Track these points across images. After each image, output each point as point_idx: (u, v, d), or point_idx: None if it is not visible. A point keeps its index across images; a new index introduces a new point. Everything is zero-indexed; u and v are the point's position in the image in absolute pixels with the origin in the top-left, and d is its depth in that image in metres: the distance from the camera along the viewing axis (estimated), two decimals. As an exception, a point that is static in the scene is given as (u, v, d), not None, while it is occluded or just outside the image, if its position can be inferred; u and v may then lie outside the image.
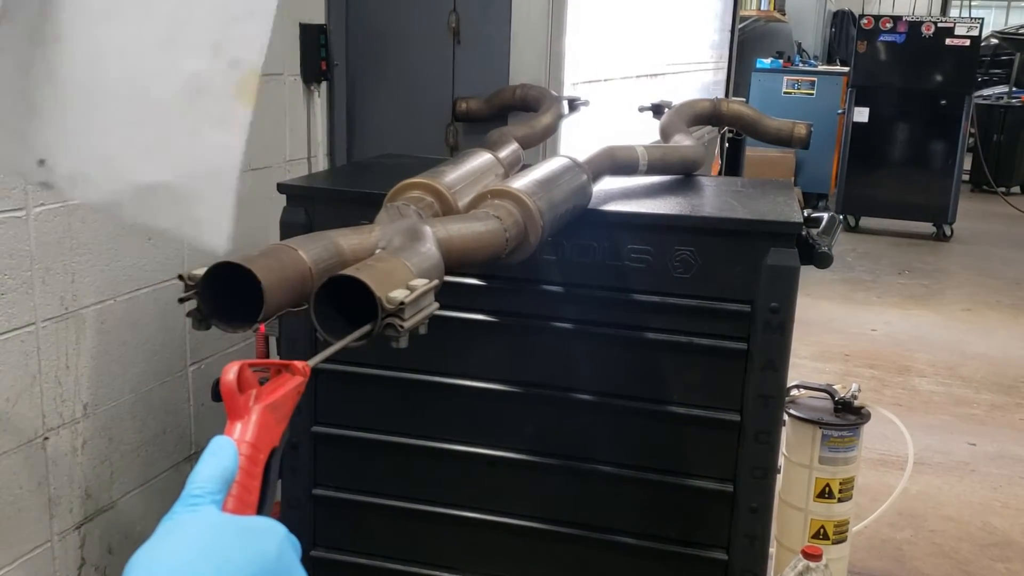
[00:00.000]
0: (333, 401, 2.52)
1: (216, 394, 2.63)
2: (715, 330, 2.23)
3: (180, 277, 1.23)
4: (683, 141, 2.84)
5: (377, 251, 1.40)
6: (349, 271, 1.20)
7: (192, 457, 2.92)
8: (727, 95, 6.42)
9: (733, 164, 7.19)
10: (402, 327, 1.19)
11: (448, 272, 1.51)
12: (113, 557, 2.65)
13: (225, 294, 1.28)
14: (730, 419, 2.24)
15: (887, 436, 4.33)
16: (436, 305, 1.30)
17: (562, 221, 2.02)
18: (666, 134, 2.95)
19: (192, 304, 1.23)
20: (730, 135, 6.87)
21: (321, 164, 3.29)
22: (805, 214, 2.35)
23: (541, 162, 2.14)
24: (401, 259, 1.30)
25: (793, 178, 10.07)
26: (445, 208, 1.80)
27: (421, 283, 1.25)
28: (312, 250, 1.31)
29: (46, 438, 2.39)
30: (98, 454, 2.56)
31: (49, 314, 2.36)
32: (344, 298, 1.25)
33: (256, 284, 1.20)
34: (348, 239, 1.40)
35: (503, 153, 2.37)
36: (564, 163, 2.14)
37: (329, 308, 1.26)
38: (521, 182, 1.89)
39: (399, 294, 1.19)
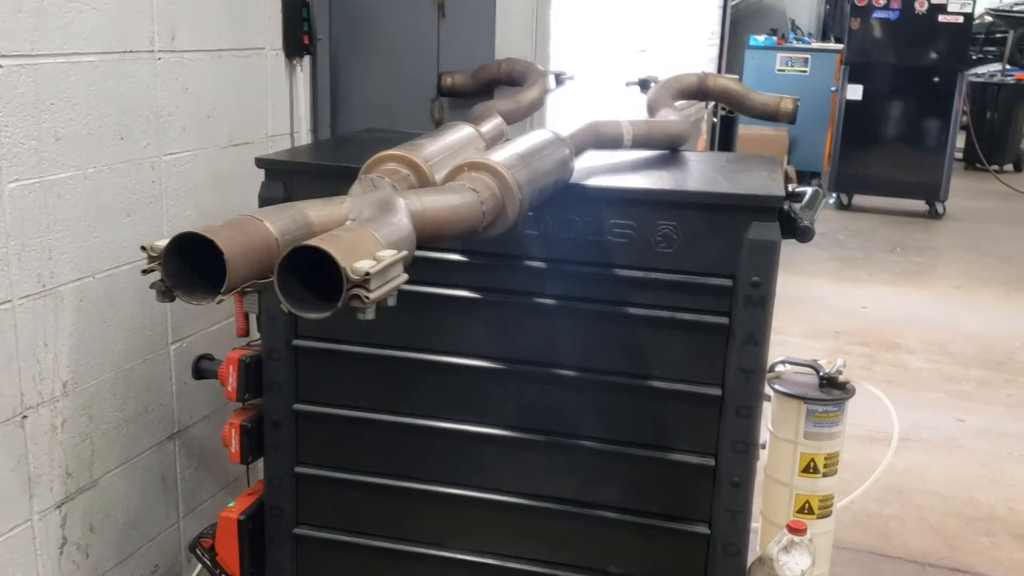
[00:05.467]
0: (314, 379, 2.50)
1: (197, 372, 2.62)
2: (697, 305, 2.22)
3: (143, 248, 1.21)
4: (669, 116, 2.82)
5: (347, 222, 1.38)
6: (313, 241, 1.18)
7: (175, 436, 2.90)
8: (719, 72, 6.38)
9: (726, 142, 7.15)
10: (367, 298, 1.17)
11: (423, 245, 1.49)
12: (95, 536, 2.63)
13: (192, 266, 1.26)
14: (712, 393, 2.23)
15: (875, 412, 4.32)
16: (405, 277, 1.28)
17: (543, 195, 2.00)
18: (652, 109, 2.93)
19: (156, 275, 1.22)
20: (723, 112, 6.84)
21: (304, 139, 3.26)
22: (789, 188, 2.33)
23: (522, 135, 2.12)
24: (369, 230, 1.28)
25: (786, 156, 10.03)
26: (422, 181, 1.78)
27: (388, 254, 1.23)
28: (279, 221, 1.29)
29: (24, 416, 2.37)
30: (78, 432, 2.54)
31: (26, 291, 2.33)
32: (312, 271, 1.23)
33: (220, 255, 1.18)
34: (317, 210, 1.38)
35: (485, 127, 2.35)
36: (546, 137, 2.12)
37: (295, 280, 1.24)
38: (499, 154, 1.87)
39: (364, 264, 1.17)
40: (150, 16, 2.60)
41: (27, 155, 2.27)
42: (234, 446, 2.52)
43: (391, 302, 1.25)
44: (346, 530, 2.58)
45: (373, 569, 2.60)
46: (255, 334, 2.61)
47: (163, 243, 1.19)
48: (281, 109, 3.18)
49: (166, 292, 1.21)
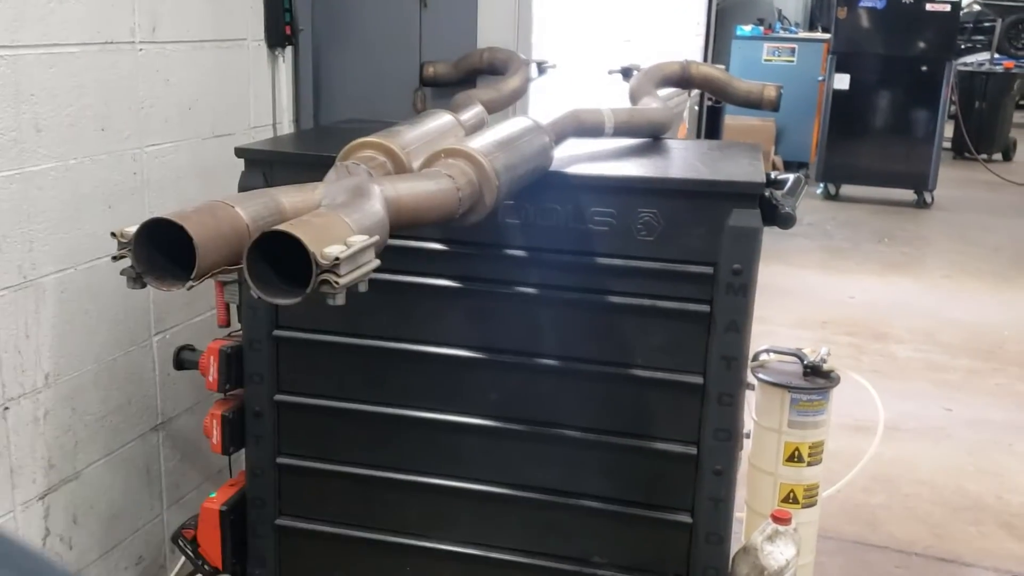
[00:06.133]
0: (296, 369, 2.49)
1: (178, 363, 2.61)
2: (678, 292, 2.21)
3: (113, 234, 1.20)
4: (651, 104, 2.81)
5: (319, 208, 1.38)
6: (283, 226, 1.17)
7: (158, 427, 2.89)
8: (704, 61, 6.37)
9: (712, 132, 7.13)
10: (337, 283, 1.16)
11: (400, 231, 1.48)
12: (78, 527, 2.62)
13: (165, 252, 1.25)
14: (693, 382, 2.22)
15: (863, 402, 4.33)
16: (376, 263, 1.28)
17: (522, 183, 2.00)
18: (635, 97, 2.92)
19: (126, 262, 1.21)
20: (709, 102, 6.83)
21: (287, 130, 3.24)
22: (770, 175, 2.33)
23: (500, 123, 2.11)
24: (340, 215, 1.28)
25: (773, 146, 10.03)
26: (398, 168, 1.77)
27: (359, 239, 1.22)
28: (250, 207, 1.29)
29: (6, 408, 2.36)
30: (61, 424, 2.53)
31: (7, 283, 2.32)
32: (285, 257, 1.22)
33: (191, 241, 1.18)
34: (290, 196, 1.37)
35: (465, 115, 2.34)
36: (525, 124, 2.11)
37: (267, 266, 1.23)
38: (477, 141, 1.86)
39: (334, 250, 1.16)
40: (131, 7, 2.58)
41: (8, 146, 2.26)
42: (216, 437, 2.52)
43: (362, 288, 1.24)
44: (328, 521, 2.57)
45: (355, 560, 2.60)
46: (236, 325, 2.60)
47: (133, 229, 1.18)
48: (263, 100, 3.17)
49: (136, 278, 1.20)
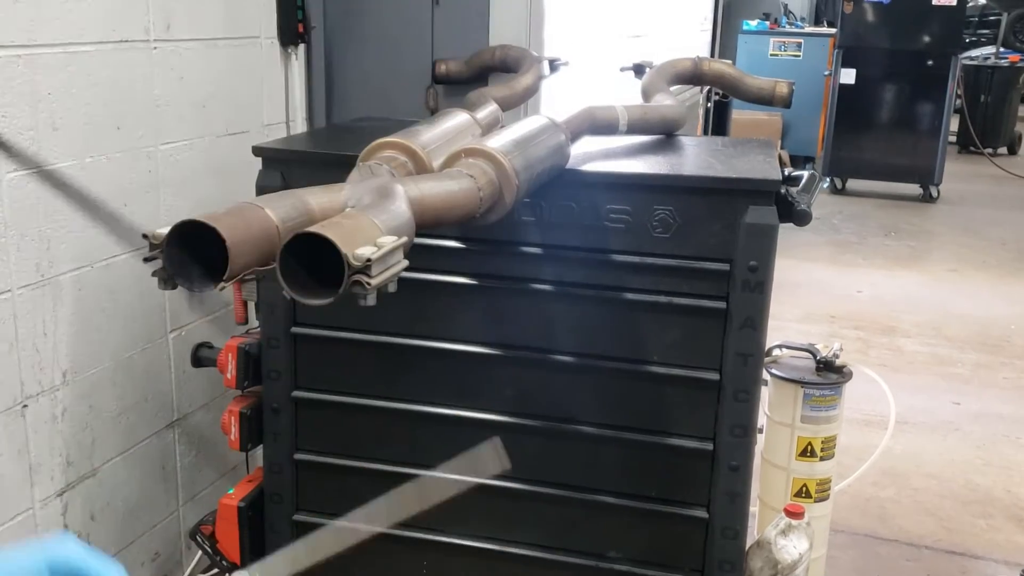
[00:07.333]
0: (313, 366, 2.51)
1: (196, 360, 2.62)
2: (694, 289, 2.22)
3: (144, 236, 1.22)
4: (664, 101, 2.82)
5: (347, 209, 1.39)
6: (315, 228, 1.19)
7: (174, 424, 2.91)
8: (712, 57, 6.37)
9: (719, 127, 7.15)
10: (369, 284, 1.17)
11: (422, 231, 1.50)
12: (96, 524, 2.64)
13: (193, 254, 1.26)
14: (709, 378, 2.23)
15: (872, 396, 4.34)
16: (405, 263, 1.29)
17: (539, 181, 2.01)
18: (647, 94, 2.93)
19: (157, 263, 1.22)
20: (716, 97, 6.84)
21: (300, 128, 3.26)
22: (785, 172, 2.34)
23: (518, 121, 2.12)
24: (369, 216, 1.29)
25: (780, 141, 10.03)
26: (419, 167, 1.79)
27: (389, 240, 1.24)
28: (279, 208, 1.30)
29: (25, 405, 2.38)
30: (79, 421, 2.55)
31: (25, 281, 2.33)
32: (313, 257, 1.24)
33: (221, 242, 1.19)
34: (317, 197, 1.38)
35: (481, 114, 2.35)
36: (541, 122, 2.12)
37: (297, 267, 1.25)
38: (496, 141, 1.87)
39: (366, 251, 1.18)
40: (145, 6, 2.60)
41: (25, 145, 2.28)
42: (234, 433, 2.53)
43: (392, 288, 1.25)
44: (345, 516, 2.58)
45: (372, 555, 2.61)
46: (254, 322, 2.62)
47: (165, 231, 1.20)
48: (276, 98, 3.18)
49: (168, 280, 1.21)
